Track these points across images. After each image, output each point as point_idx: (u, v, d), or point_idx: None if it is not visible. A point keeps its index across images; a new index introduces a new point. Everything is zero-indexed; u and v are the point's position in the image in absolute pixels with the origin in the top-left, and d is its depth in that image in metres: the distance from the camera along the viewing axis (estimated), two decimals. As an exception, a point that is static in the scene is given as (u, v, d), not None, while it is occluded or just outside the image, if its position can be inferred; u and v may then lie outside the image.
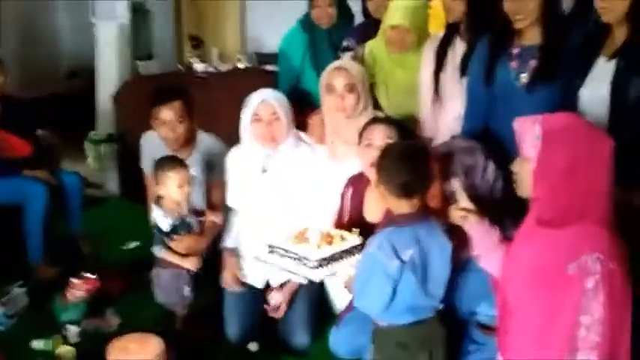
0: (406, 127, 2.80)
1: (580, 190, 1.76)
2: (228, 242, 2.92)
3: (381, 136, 2.54)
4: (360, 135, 2.65)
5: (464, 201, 2.15)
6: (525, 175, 1.86)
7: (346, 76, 2.80)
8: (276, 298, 2.75)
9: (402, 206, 2.11)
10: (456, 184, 2.20)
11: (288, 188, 2.78)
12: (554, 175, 1.78)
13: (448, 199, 2.27)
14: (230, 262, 2.87)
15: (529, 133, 1.82)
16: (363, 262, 2.17)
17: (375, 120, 2.68)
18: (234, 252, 2.90)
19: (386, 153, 2.19)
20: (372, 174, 2.58)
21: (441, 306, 2.20)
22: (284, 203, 2.78)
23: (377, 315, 2.17)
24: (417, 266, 2.07)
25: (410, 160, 2.10)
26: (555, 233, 1.79)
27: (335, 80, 2.81)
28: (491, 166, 2.30)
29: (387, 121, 2.68)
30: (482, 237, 2.10)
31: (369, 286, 2.10)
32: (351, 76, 2.80)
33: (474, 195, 2.22)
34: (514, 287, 1.93)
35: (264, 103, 2.68)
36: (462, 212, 2.12)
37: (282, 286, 2.83)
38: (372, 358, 2.24)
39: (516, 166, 1.92)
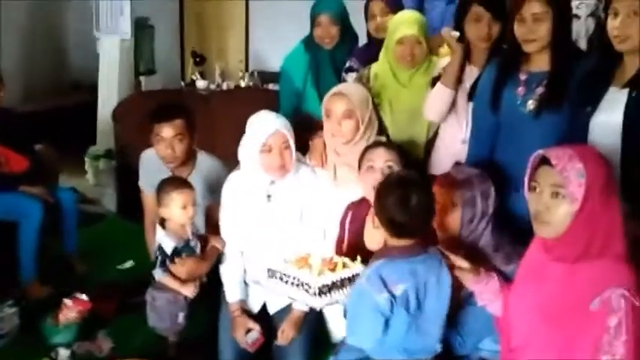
0: (406, 153, 2.76)
1: (601, 224, 1.70)
2: (232, 296, 2.77)
3: (382, 159, 2.52)
4: (361, 158, 2.61)
5: (458, 260, 2.08)
6: (562, 215, 1.73)
7: (344, 103, 2.75)
8: (254, 336, 2.67)
9: (397, 240, 2.06)
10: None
11: (290, 213, 2.72)
12: (595, 214, 1.70)
13: (455, 229, 2.24)
14: (239, 321, 2.70)
15: (571, 169, 1.71)
16: (353, 295, 2.13)
17: (376, 143, 2.66)
18: (242, 306, 2.76)
19: (382, 190, 2.12)
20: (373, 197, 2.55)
21: (439, 348, 2.13)
22: (286, 228, 2.72)
23: (370, 350, 2.11)
24: (410, 301, 2.00)
25: (405, 202, 2.02)
26: (575, 268, 1.72)
27: (333, 106, 2.77)
28: (493, 193, 2.28)
29: (389, 144, 2.64)
30: (482, 291, 2.04)
31: (359, 320, 2.06)
32: (350, 102, 2.75)
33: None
34: (524, 324, 1.87)
35: (276, 134, 2.59)
36: (458, 272, 2.06)
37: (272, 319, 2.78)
38: None
39: (541, 205, 1.78)
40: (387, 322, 2.02)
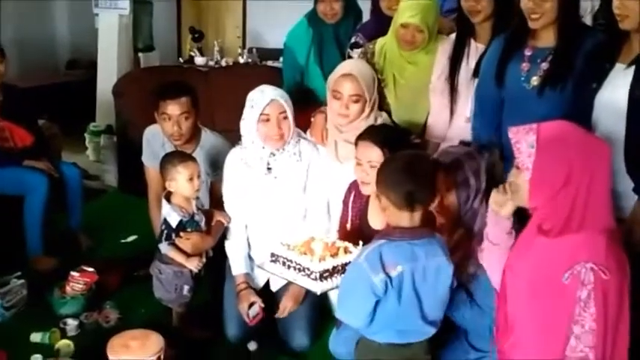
0: (403, 131, 2.80)
1: (579, 198, 1.73)
2: (238, 269, 2.81)
3: (366, 159, 2.51)
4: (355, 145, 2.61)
5: (513, 176, 1.95)
6: (522, 184, 1.82)
7: (353, 86, 2.74)
8: (255, 311, 2.71)
9: (403, 219, 2.04)
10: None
11: (292, 187, 2.76)
12: (551, 185, 1.74)
13: (454, 211, 2.24)
14: (243, 295, 2.75)
15: (524, 142, 1.79)
16: (350, 271, 2.13)
17: (364, 137, 2.57)
18: (247, 279, 2.80)
19: (387, 163, 2.14)
20: (364, 190, 2.57)
21: (432, 332, 2.12)
22: (288, 202, 2.76)
23: (364, 332, 2.12)
24: (406, 284, 2.00)
25: (413, 169, 2.03)
26: (553, 242, 1.76)
27: (342, 88, 2.75)
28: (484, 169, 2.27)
29: (377, 138, 2.52)
30: (501, 228, 1.99)
31: (351, 298, 2.07)
32: (359, 85, 2.74)
33: None
34: (514, 299, 1.90)
35: (272, 103, 2.62)
36: (507, 194, 1.95)
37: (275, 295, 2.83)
38: None
39: (512, 176, 1.88)
40: (377, 303, 2.02)
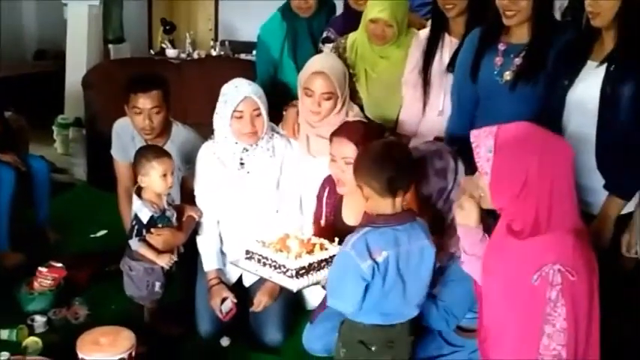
0: (378, 126, 2.80)
1: (542, 199, 1.75)
2: (210, 265, 2.80)
3: (340, 155, 2.51)
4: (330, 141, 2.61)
5: (476, 179, 1.98)
6: (484, 188, 1.85)
7: (325, 84, 2.73)
8: (228, 306, 2.70)
9: (385, 206, 2.05)
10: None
11: (265, 182, 2.74)
12: (510, 188, 1.77)
13: (422, 204, 2.25)
14: (215, 290, 2.74)
15: (483, 146, 1.81)
16: (337, 261, 2.14)
17: (338, 133, 2.56)
18: (219, 275, 2.78)
19: (365, 153, 2.14)
20: (340, 190, 2.57)
21: (415, 313, 2.16)
22: (261, 197, 2.74)
23: (350, 315, 2.14)
24: (391, 269, 2.02)
25: (391, 155, 2.06)
26: (523, 244, 1.79)
27: (313, 86, 2.75)
28: (461, 168, 2.27)
29: (351, 134, 2.51)
30: (475, 242, 2.02)
31: (341, 285, 2.08)
32: (331, 83, 2.73)
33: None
34: (489, 299, 1.92)
35: (246, 100, 2.59)
36: (468, 202, 1.98)
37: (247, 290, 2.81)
38: (335, 350, 2.23)
39: (475, 179, 1.90)
40: (366, 288, 2.04)
